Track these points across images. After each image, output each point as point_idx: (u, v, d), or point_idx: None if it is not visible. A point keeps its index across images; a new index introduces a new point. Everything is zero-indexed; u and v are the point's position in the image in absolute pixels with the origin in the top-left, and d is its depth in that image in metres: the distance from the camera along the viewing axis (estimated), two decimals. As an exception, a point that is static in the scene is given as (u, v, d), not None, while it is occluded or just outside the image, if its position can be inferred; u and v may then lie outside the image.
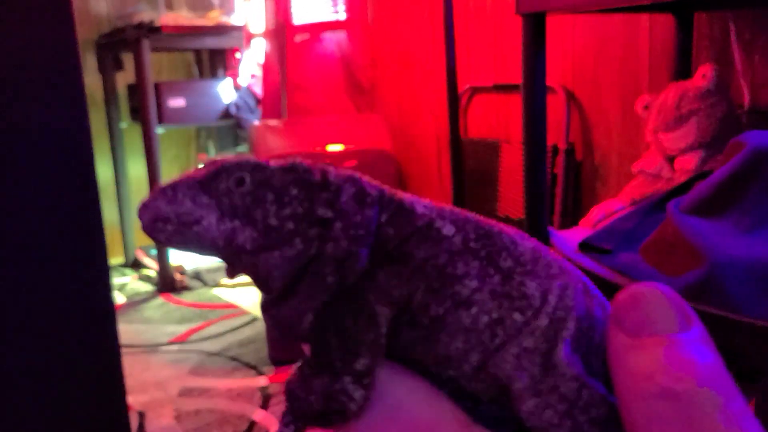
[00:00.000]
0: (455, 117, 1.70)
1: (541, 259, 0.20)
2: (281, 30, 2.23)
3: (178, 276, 2.63)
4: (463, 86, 1.90)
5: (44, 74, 0.96)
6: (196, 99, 2.64)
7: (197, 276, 2.72)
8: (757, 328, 0.86)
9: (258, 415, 1.68)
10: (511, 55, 1.81)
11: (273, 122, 2.04)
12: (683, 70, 1.41)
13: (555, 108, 1.69)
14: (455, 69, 1.66)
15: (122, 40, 2.52)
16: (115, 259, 2.93)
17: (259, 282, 0.21)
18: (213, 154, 3.12)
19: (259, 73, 2.53)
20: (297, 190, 0.20)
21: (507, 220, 1.84)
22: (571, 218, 1.69)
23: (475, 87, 1.92)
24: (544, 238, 1.16)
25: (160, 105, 2.54)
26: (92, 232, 1.03)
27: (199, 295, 2.57)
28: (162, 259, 2.58)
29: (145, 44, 2.41)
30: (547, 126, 1.16)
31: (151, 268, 2.73)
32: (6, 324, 0.98)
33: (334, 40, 2.27)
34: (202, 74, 3.14)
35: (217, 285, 2.65)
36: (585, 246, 1.09)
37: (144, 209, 0.22)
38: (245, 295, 2.54)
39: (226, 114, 2.69)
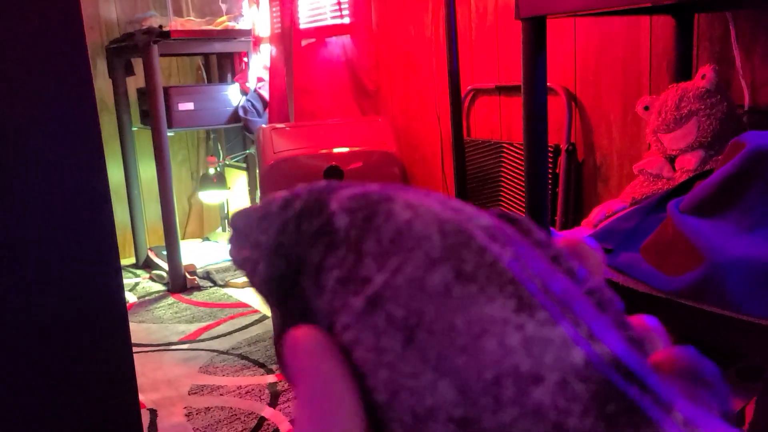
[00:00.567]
0: (458, 118, 1.72)
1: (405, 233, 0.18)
2: (287, 34, 2.27)
3: (188, 276, 2.67)
4: (465, 88, 1.93)
5: (55, 79, 0.99)
6: (205, 103, 2.68)
7: (208, 276, 2.76)
8: (757, 327, 0.88)
9: (267, 412, 1.71)
10: (512, 57, 1.83)
11: (280, 125, 2.08)
12: (684, 71, 1.42)
13: (556, 109, 1.71)
14: (458, 71, 1.69)
15: (132, 46, 2.57)
16: (127, 260, 2.98)
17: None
18: (221, 156, 3.16)
19: (266, 76, 2.57)
20: None
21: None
22: (572, 218, 1.71)
23: (478, 89, 1.95)
24: (545, 238, 1.17)
25: (169, 109, 2.58)
26: (104, 234, 1.05)
27: (209, 294, 2.61)
28: (173, 259, 2.63)
29: (155, 49, 2.45)
30: (548, 127, 1.18)
31: (162, 268, 2.77)
32: (19, 324, 1.01)
33: (339, 44, 2.30)
34: (210, 79, 3.18)
35: (227, 285, 2.69)
36: (585, 246, 1.11)
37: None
38: (254, 295, 2.57)
39: (235, 117, 2.73)
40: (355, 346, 0.17)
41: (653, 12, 1.47)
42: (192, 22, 2.64)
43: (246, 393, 1.81)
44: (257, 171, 2.43)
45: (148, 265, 2.95)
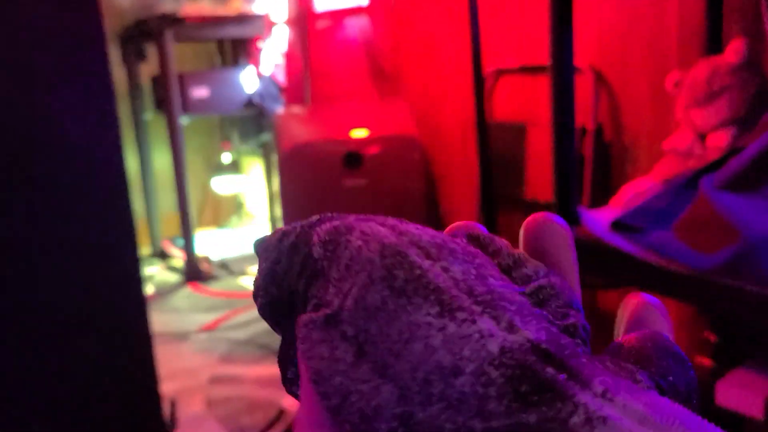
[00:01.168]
0: (481, 100, 1.68)
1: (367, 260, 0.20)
2: (303, 17, 2.23)
3: (205, 266, 2.65)
4: (488, 69, 1.88)
5: (73, 67, 0.97)
6: (220, 89, 2.65)
7: (224, 265, 2.74)
8: (795, 305, 0.84)
9: (287, 401, 1.69)
10: (537, 36, 1.78)
11: (297, 109, 2.04)
12: (714, 45, 1.38)
13: (582, 89, 1.66)
14: (480, 51, 1.64)
15: (145, 32, 2.54)
16: (142, 250, 2.96)
17: None
18: (236, 144, 3.14)
19: (281, 61, 2.53)
20: None
21: (534, 204, 1.82)
22: (599, 201, 1.67)
23: (501, 69, 1.90)
24: (575, 219, 1.14)
25: (183, 95, 2.55)
26: (123, 224, 1.04)
27: (226, 284, 2.59)
28: (189, 249, 2.61)
29: (168, 35, 2.42)
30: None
31: (178, 258, 2.75)
32: (42, 315, 0.99)
33: (356, 25, 2.26)
34: (224, 64, 3.15)
35: (244, 274, 2.67)
36: (618, 225, 1.08)
37: None
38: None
39: (250, 103, 2.70)
40: (311, 358, 0.19)
41: (684, -16, 1.42)
42: (205, 6, 2.61)
43: (266, 383, 1.79)
44: (274, 157, 2.40)
45: (163, 255, 2.94)
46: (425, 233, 0.21)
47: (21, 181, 0.95)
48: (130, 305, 1.09)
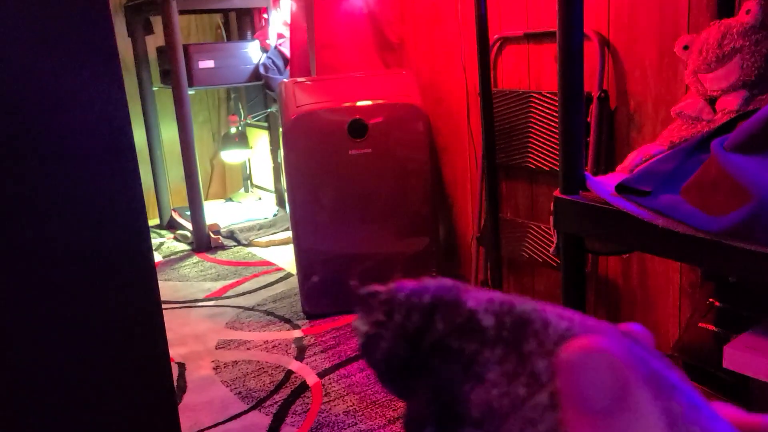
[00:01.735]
0: (486, 68, 1.67)
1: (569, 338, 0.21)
2: (308, -14, 2.21)
3: (212, 235, 2.67)
4: (493, 37, 1.87)
5: (77, 39, 0.96)
6: (226, 60, 2.64)
7: (231, 235, 2.75)
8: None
9: (294, 365, 1.70)
10: (541, 2, 1.77)
11: (302, 79, 2.04)
12: (726, 7, 1.35)
13: (588, 55, 1.65)
14: (486, 18, 1.63)
15: (150, 2, 2.53)
16: (151, 221, 2.98)
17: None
18: (243, 116, 3.13)
19: (286, 33, 2.52)
20: None
21: (537, 171, 1.82)
22: (604, 169, 1.66)
23: (506, 37, 1.89)
24: (581, 185, 1.13)
25: (189, 67, 2.55)
26: (131, 194, 1.05)
27: (233, 253, 2.60)
28: (196, 219, 2.62)
29: (173, 5, 2.41)
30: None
31: (186, 228, 2.77)
32: (52, 283, 1.00)
33: (361, -6, 2.24)
34: (230, 36, 3.14)
35: (251, 244, 2.69)
36: (622, 188, 1.07)
37: None
38: (279, 253, 2.57)
39: (256, 75, 2.69)
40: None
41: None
42: (210, -23, 2.59)
43: (272, 347, 1.81)
44: (279, 129, 2.40)
45: (172, 225, 2.95)
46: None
47: (23, 157, 0.95)
48: (141, 273, 1.10)
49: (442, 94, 2.14)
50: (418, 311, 0.22)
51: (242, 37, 3.00)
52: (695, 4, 1.46)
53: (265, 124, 3.03)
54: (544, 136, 1.80)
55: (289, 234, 2.50)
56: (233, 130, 3.00)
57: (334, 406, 1.51)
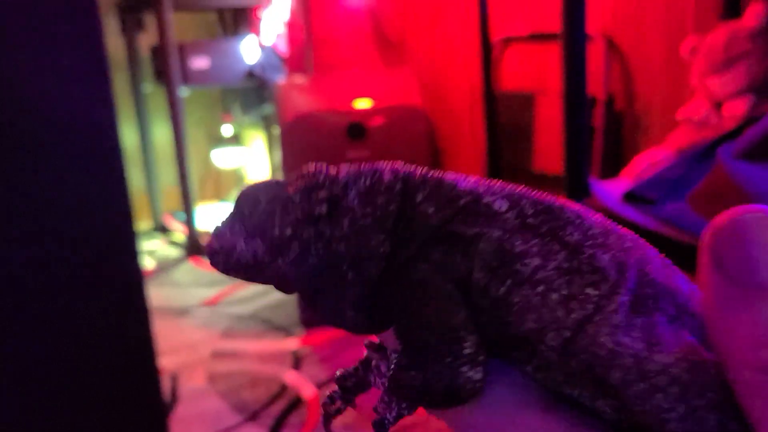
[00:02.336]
0: (488, 69, 1.64)
1: (612, 233, 0.19)
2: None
3: (206, 240, 2.63)
4: (496, 37, 1.83)
5: (65, 38, 0.93)
6: (221, 59, 2.60)
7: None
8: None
9: (290, 376, 1.66)
10: (546, 2, 1.73)
11: (299, 80, 2.00)
12: (732, 9, 1.34)
13: (593, 57, 1.61)
14: (488, 18, 1.59)
15: (144, 0, 2.48)
16: (143, 224, 2.93)
17: (280, 290, 0.23)
18: (238, 115, 3.09)
19: (283, 30, 2.48)
20: (300, 196, 0.21)
21: (543, 176, 1.78)
22: (610, 173, 1.63)
23: (509, 37, 1.85)
24: (585, 190, 1.11)
25: (183, 66, 2.50)
26: (118, 198, 1.01)
27: (228, 258, 2.56)
28: (190, 223, 2.58)
29: (167, 3, 2.36)
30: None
31: (179, 232, 2.72)
32: (37, 291, 0.97)
33: (359, -9, 2.20)
34: (225, 34, 3.09)
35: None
36: (630, 196, 1.04)
37: (205, 247, 0.24)
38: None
39: (251, 74, 2.64)
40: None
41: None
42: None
43: (268, 357, 1.77)
44: (276, 130, 2.36)
45: (164, 229, 2.91)
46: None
47: (8, 159, 0.92)
48: (127, 279, 1.06)
49: (444, 93, 2.10)
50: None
51: (238, 34, 2.95)
52: (701, 5, 1.43)
53: (261, 124, 2.99)
54: (549, 138, 1.76)
55: (285, 237, 2.46)
56: (228, 130, 2.95)
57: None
